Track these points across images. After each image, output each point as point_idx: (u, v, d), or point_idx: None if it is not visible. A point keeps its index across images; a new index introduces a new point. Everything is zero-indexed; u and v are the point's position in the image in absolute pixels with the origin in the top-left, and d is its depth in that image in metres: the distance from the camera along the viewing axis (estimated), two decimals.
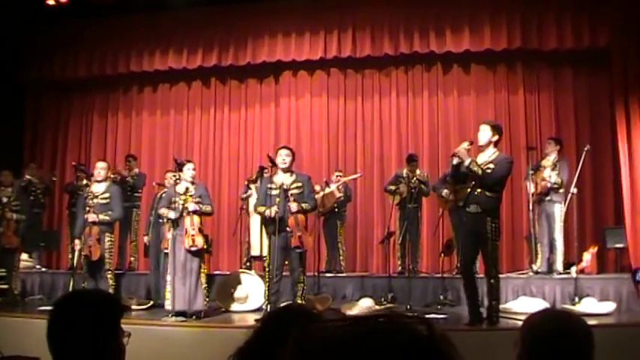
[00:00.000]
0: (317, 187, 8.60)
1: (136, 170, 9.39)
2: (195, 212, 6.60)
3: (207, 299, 6.78)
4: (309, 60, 9.63)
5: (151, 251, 8.05)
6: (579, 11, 8.60)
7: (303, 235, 6.43)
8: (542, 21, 8.69)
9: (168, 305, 6.59)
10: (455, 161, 5.70)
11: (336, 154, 9.89)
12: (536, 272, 7.74)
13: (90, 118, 10.81)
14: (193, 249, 6.53)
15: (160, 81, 10.53)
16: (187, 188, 6.71)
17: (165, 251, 7.04)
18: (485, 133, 5.73)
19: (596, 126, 8.91)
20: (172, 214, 6.68)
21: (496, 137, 5.71)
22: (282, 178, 6.50)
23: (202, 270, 6.67)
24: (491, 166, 5.63)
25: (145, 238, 8.21)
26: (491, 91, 9.43)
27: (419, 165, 8.56)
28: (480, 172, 5.52)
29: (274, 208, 6.34)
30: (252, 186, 8.24)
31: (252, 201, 8.48)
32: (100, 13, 9.66)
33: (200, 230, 6.62)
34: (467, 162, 5.55)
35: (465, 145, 5.75)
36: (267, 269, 6.50)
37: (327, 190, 8.59)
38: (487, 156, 5.71)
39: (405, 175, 8.34)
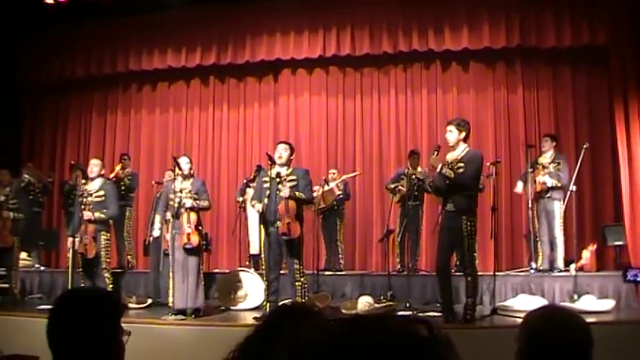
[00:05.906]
0: (316, 187, 8.61)
1: (129, 170, 9.35)
2: (192, 209, 6.56)
3: (205, 297, 6.76)
4: (308, 58, 9.63)
5: (152, 250, 8.05)
6: (578, 9, 8.59)
7: (292, 223, 6.17)
8: (540, 19, 8.68)
9: (171, 304, 6.59)
10: (421, 176, 6.08)
11: (335, 152, 9.88)
12: (538, 270, 7.74)
13: (88, 117, 10.80)
14: (188, 247, 6.49)
15: (158, 79, 10.52)
16: (183, 186, 6.70)
17: (166, 252, 7.02)
18: (452, 134, 5.93)
19: (595, 123, 8.91)
20: (169, 215, 6.67)
21: (463, 134, 5.92)
22: (278, 171, 6.35)
23: (200, 268, 6.63)
24: (462, 164, 5.78)
25: (150, 238, 8.19)
26: (490, 88, 9.42)
27: (419, 162, 8.55)
28: (452, 175, 5.71)
29: (258, 206, 6.22)
30: (251, 185, 8.22)
31: None
32: (98, 12, 9.62)
33: (197, 228, 6.57)
34: (439, 168, 5.75)
35: (433, 156, 5.95)
36: (264, 268, 6.45)
37: (327, 188, 8.59)
38: (457, 153, 5.90)
39: (406, 172, 8.35)
